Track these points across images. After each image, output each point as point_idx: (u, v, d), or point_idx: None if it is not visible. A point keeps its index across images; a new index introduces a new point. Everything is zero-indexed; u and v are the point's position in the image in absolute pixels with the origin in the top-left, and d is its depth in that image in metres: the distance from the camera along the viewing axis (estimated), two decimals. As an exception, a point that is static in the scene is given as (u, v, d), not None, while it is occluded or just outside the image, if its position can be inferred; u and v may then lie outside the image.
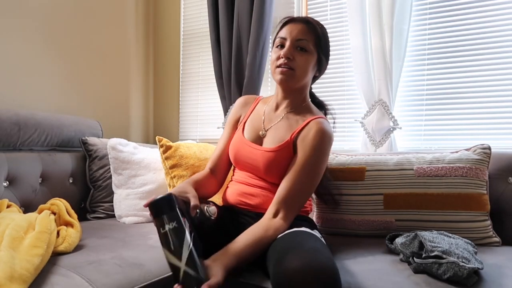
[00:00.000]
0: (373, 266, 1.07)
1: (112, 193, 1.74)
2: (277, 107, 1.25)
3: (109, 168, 1.75)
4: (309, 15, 2.02)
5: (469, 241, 1.11)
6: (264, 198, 1.16)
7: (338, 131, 1.94)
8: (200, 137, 2.41)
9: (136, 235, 1.38)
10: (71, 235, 1.18)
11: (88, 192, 1.78)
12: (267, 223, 1.05)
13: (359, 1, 1.76)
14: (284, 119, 1.21)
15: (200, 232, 0.93)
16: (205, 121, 2.40)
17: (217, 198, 1.37)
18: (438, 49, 1.74)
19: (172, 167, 1.62)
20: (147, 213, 1.57)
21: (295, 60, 1.14)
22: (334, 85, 1.97)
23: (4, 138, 1.53)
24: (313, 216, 1.50)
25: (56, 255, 1.10)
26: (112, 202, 1.73)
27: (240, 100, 1.36)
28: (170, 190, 1.18)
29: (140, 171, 1.72)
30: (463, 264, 0.92)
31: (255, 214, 1.15)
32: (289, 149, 1.15)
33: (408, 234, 1.15)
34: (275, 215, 1.07)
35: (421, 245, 1.05)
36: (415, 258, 1.03)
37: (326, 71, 1.94)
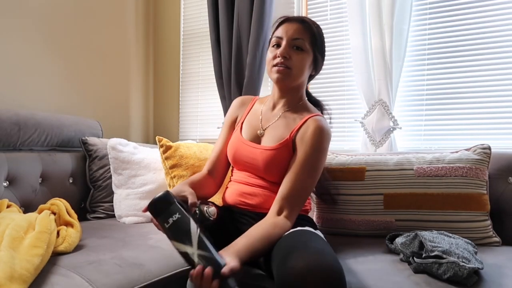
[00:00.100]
0: (373, 266, 1.07)
1: (112, 193, 1.74)
2: (274, 106, 1.26)
3: (109, 168, 1.75)
4: (309, 15, 2.02)
5: (469, 241, 1.11)
6: (264, 197, 1.16)
7: (338, 131, 1.95)
8: (200, 137, 2.41)
9: (136, 235, 1.38)
10: (71, 235, 1.18)
11: (88, 192, 1.78)
12: (273, 220, 1.05)
13: (359, 1, 1.76)
14: (282, 118, 1.22)
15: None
16: (205, 121, 2.40)
17: (217, 198, 1.37)
18: (438, 49, 1.74)
19: (172, 167, 1.62)
20: (147, 213, 1.57)
21: (292, 59, 1.15)
22: (334, 85, 1.97)
23: (4, 138, 1.53)
24: (313, 216, 1.50)
25: (56, 255, 1.10)
26: (112, 202, 1.73)
27: (236, 101, 1.36)
28: None
29: (140, 171, 1.72)
30: (463, 264, 0.92)
31: (255, 214, 1.15)
32: (288, 147, 1.15)
33: (408, 234, 1.15)
34: (278, 213, 1.07)
35: (421, 245, 1.05)
36: (415, 258, 1.03)
37: (326, 71, 1.94)
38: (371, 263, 1.10)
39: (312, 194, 1.48)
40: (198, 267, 0.81)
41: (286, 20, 1.20)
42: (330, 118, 1.29)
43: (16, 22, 1.78)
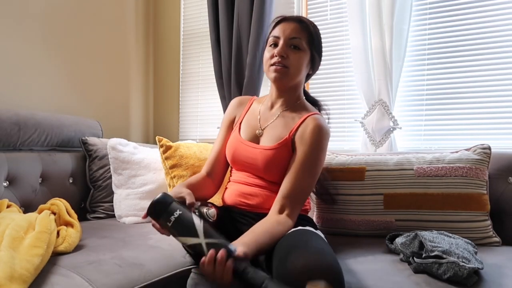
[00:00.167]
0: (373, 266, 1.07)
1: (112, 193, 1.74)
2: (272, 106, 1.26)
3: (109, 168, 1.75)
4: (309, 15, 2.02)
5: (469, 241, 1.11)
6: (263, 197, 1.16)
7: (338, 131, 1.95)
8: (200, 137, 2.41)
9: (136, 235, 1.38)
10: (71, 235, 1.18)
11: (88, 192, 1.78)
12: (275, 218, 1.05)
13: (359, 1, 1.76)
14: (280, 117, 1.22)
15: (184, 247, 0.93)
16: (205, 121, 2.40)
17: (217, 199, 1.37)
18: (438, 49, 1.74)
19: (172, 167, 1.62)
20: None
21: (289, 58, 1.15)
22: (334, 85, 1.97)
23: (4, 138, 1.53)
24: (313, 216, 1.50)
25: (56, 255, 1.10)
26: (112, 202, 1.73)
27: (234, 101, 1.36)
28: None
29: (140, 171, 1.72)
30: (463, 264, 0.92)
31: (255, 215, 1.15)
32: (287, 146, 1.15)
33: (408, 234, 1.15)
34: (280, 211, 1.07)
35: (421, 245, 1.05)
36: (415, 258, 1.03)
37: (326, 71, 1.94)
38: (371, 263, 1.10)
39: (312, 194, 1.48)
40: (210, 252, 0.81)
41: (283, 19, 1.21)
42: (328, 117, 1.30)
43: (16, 22, 1.78)
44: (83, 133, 1.83)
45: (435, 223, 1.30)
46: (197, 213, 0.97)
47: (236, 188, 1.22)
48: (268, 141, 1.19)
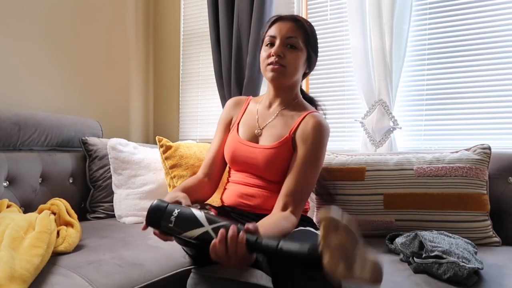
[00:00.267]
0: (373, 266, 1.07)
1: (112, 193, 1.74)
2: (270, 105, 1.26)
3: (109, 168, 1.75)
4: (309, 15, 2.02)
5: (469, 241, 1.11)
6: (263, 198, 1.16)
7: (338, 131, 1.95)
8: (200, 137, 2.41)
9: (136, 235, 1.38)
10: (71, 235, 1.18)
11: (88, 192, 1.78)
12: (280, 214, 1.06)
13: (359, 1, 1.76)
14: (279, 116, 1.22)
15: (191, 243, 0.92)
16: (205, 121, 2.40)
17: (216, 198, 1.36)
18: (438, 49, 1.74)
19: (172, 167, 1.62)
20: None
21: (286, 58, 1.16)
22: (334, 85, 1.96)
23: (4, 138, 1.53)
24: (313, 216, 1.50)
25: (56, 255, 1.09)
26: (112, 202, 1.73)
27: (230, 102, 1.36)
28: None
29: (140, 171, 1.72)
30: (463, 264, 0.92)
31: (255, 215, 1.14)
32: (288, 145, 1.16)
33: (408, 234, 1.15)
34: (283, 209, 1.08)
35: (421, 245, 1.05)
36: (415, 258, 1.03)
37: (326, 71, 1.94)
38: (371, 263, 1.10)
39: (312, 194, 1.49)
40: (220, 231, 0.80)
41: (278, 18, 1.21)
42: (325, 115, 1.30)
43: (16, 22, 1.78)
44: (83, 133, 1.83)
45: (435, 223, 1.30)
46: None
47: (235, 189, 1.22)
48: (268, 140, 1.19)
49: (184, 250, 1.18)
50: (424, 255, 1.01)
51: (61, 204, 1.31)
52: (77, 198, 1.75)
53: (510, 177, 1.37)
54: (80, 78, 2.08)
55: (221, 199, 1.28)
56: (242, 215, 1.18)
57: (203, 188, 1.22)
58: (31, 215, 1.16)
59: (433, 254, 0.98)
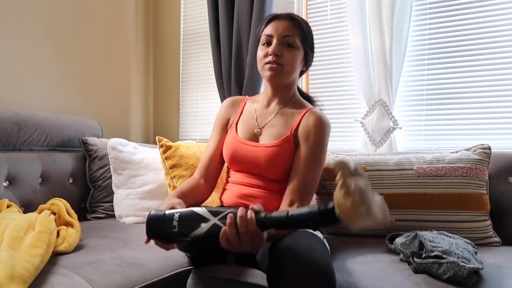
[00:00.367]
0: (373, 266, 1.07)
1: (112, 193, 1.74)
2: (268, 104, 1.26)
3: (109, 168, 1.75)
4: (309, 15, 2.02)
5: (469, 241, 1.11)
6: (264, 198, 1.16)
7: (338, 131, 1.95)
8: (200, 137, 2.41)
9: (136, 235, 1.38)
10: (71, 235, 1.18)
11: (88, 192, 1.78)
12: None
13: (359, 1, 1.76)
14: (278, 114, 1.22)
15: (199, 241, 0.92)
16: (205, 121, 2.40)
17: (215, 198, 1.36)
18: (438, 49, 1.74)
19: (172, 167, 1.62)
20: (147, 213, 1.57)
21: (283, 56, 1.16)
22: (334, 85, 1.97)
23: (4, 138, 1.53)
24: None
25: (56, 255, 1.09)
26: (112, 202, 1.73)
27: (226, 102, 1.35)
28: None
29: (140, 171, 1.72)
30: (463, 264, 0.92)
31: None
32: (290, 143, 1.16)
33: (408, 234, 1.15)
34: (290, 205, 1.08)
35: (421, 245, 1.05)
36: (415, 258, 1.03)
37: (326, 71, 1.94)
38: (371, 263, 1.10)
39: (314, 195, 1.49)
40: (229, 215, 0.80)
41: (274, 17, 1.21)
42: (321, 110, 1.30)
43: (16, 22, 1.78)
44: (83, 133, 1.83)
45: (435, 223, 1.30)
46: None
47: (236, 190, 1.21)
48: (268, 139, 1.19)
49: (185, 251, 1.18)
50: (424, 255, 1.01)
51: (61, 204, 1.31)
52: (77, 198, 1.75)
53: (510, 177, 1.37)
54: (80, 78, 2.08)
55: (220, 199, 1.28)
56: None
57: (199, 190, 1.21)
58: (31, 215, 1.16)
59: (433, 254, 0.97)
